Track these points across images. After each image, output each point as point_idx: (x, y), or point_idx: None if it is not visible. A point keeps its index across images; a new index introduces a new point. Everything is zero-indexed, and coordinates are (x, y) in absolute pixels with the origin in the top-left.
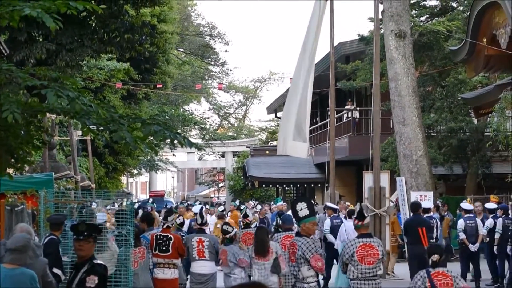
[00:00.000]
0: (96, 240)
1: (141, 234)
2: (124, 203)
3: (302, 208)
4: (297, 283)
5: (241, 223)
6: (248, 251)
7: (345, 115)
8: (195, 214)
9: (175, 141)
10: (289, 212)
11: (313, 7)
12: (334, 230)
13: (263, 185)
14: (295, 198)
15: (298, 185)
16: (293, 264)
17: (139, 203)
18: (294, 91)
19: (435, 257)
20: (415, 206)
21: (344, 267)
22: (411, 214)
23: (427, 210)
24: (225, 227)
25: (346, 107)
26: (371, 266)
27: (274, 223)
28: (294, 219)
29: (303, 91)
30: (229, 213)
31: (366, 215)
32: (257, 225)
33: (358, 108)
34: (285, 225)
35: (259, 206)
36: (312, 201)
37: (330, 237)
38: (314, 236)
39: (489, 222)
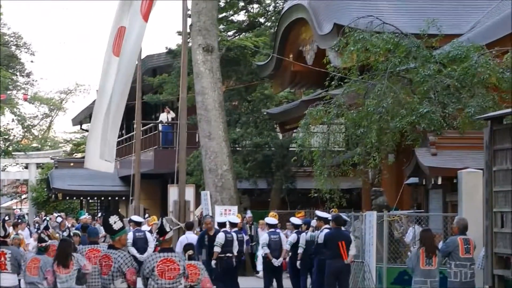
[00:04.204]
0: None
1: None
2: None
3: (116, 221)
4: None
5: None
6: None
7: (160, 126)
8: None
9: None
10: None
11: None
12: (136, 243)
13: (67, 197)
14: (104, 212)
15: (103, 198)
16: (104, 277)
17: None
18: (100, 105)
19: (190, 252)
20: (339, 220)
21: (144, 281)
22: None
23: (234, 225)
24: (42, 235)
25: (162, 114)
26: (171, 281)
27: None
28: (107, 233)
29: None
30: None
31: (167, 230)
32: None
33: (168, 119)
34: (90, 238)
35: (59, 219)
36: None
37: (132, 250)
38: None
39: (293, 237)
